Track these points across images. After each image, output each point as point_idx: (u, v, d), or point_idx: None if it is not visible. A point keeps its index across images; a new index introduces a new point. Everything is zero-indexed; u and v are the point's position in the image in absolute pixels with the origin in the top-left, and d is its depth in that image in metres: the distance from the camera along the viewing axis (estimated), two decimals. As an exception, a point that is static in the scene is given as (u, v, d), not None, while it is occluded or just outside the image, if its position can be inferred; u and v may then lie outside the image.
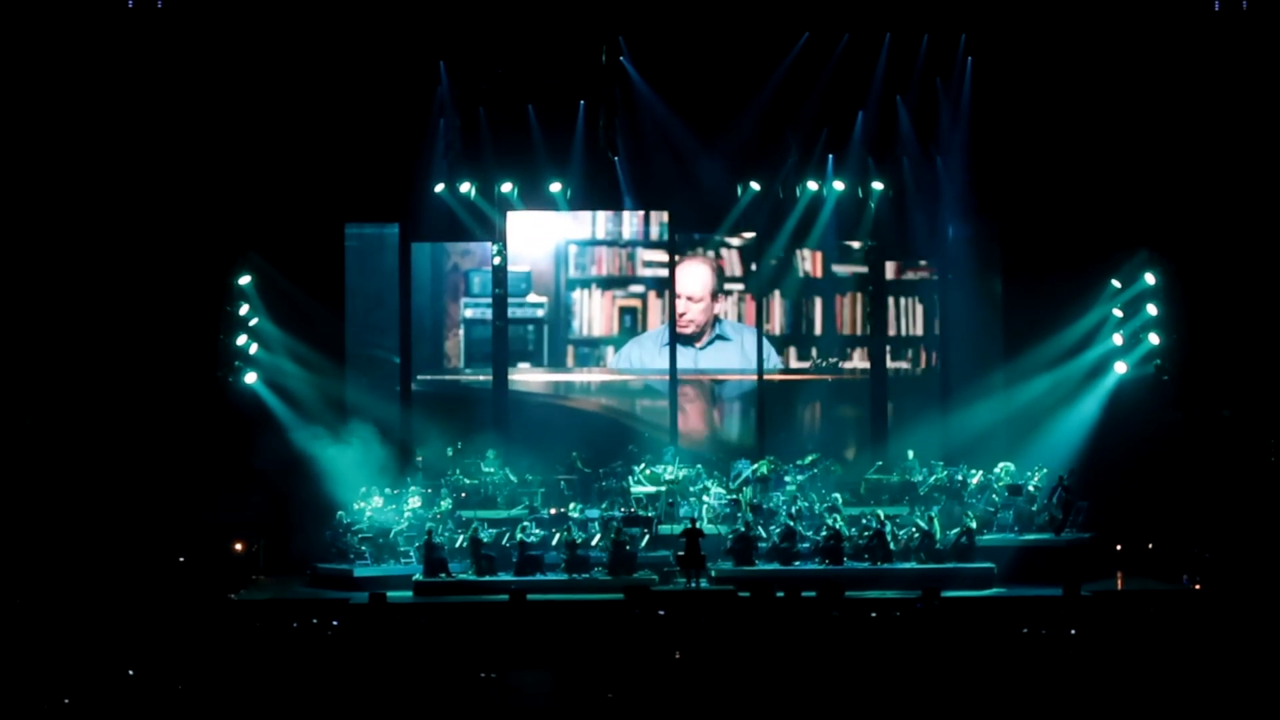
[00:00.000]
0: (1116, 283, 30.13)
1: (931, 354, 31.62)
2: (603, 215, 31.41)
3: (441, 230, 30.97)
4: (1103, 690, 18.46)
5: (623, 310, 31.52)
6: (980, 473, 28.66)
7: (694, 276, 31.62)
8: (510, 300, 31.29)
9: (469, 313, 31.38)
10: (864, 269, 31.62)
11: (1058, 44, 28.82)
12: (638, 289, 31.54)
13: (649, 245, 31.60)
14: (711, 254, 31.54)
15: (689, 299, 31.54)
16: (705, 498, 28.33)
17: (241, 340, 29.44)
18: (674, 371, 31.43)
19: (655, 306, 31.55)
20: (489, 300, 31.31)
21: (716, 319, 31.58)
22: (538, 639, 20.99)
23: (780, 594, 23.36)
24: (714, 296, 31.55)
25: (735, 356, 31.58)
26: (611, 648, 20.52)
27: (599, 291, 31.54)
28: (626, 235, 31.49)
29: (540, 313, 31.43)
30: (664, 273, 31.51)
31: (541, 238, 31.43)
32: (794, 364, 31.57)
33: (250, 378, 29.38)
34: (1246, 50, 28.44)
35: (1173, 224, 29.33)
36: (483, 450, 29.59)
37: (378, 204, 30.37)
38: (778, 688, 18.66)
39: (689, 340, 31.53)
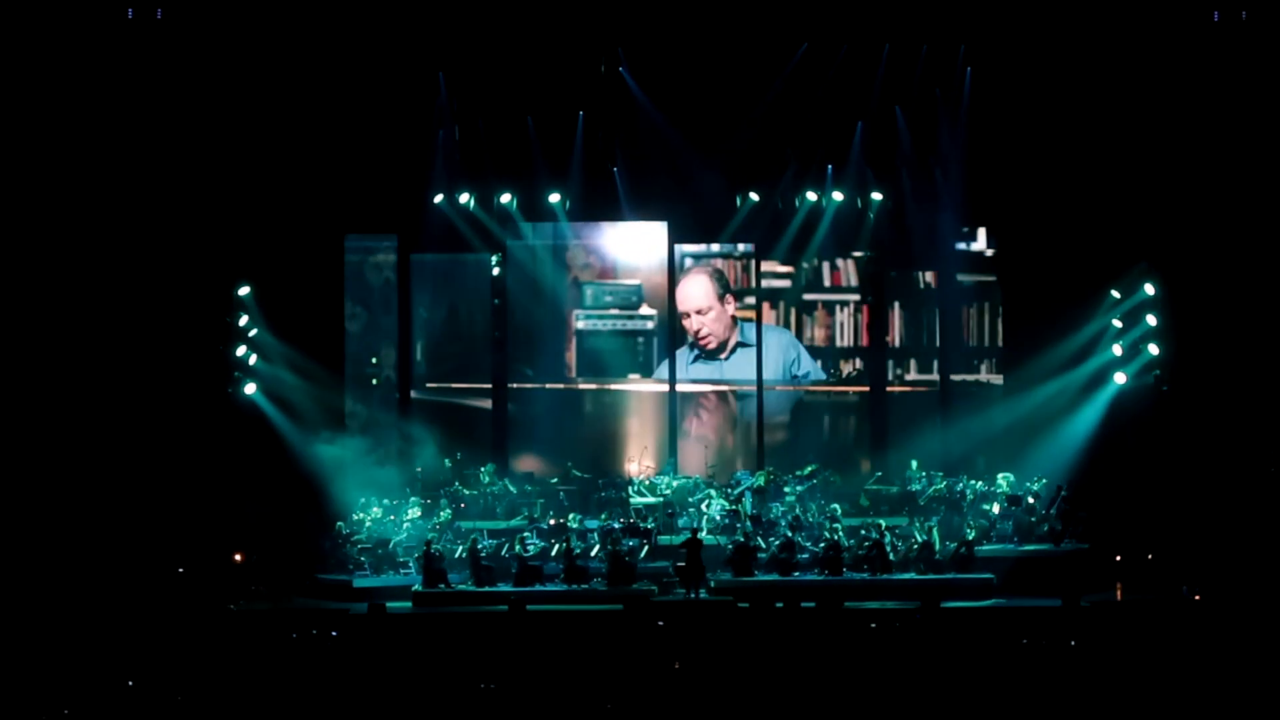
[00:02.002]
0: (1116, 293, 30.13)
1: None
2: (719, 226, 31.59)
3: (441, 242, 30.96)
4: (1102, 701, 18.43)
5: (736, 320, 31.51)
6: (980, 483, 28.67)
7: (694, 289, 31.56)
8: (620, 313, 31.41)
9: (581, 324, 31.48)
10: (992, 278, 31.33)
11: (1057, 54, 28.84)
12: (752, 300, 31.48)
13: (767, 256, 31.56)
14: (710, 264, 31.46)
15: (696, 313, 31.46)
16: (705, 507, 28.34)
17: (241, 351, 29.43)
18: (673, 382, 31.43)
19: (769, 318, 31.56)
20: (600, 311, 31.44)
21: (737, 321, 31.44)
22: (537, 650, 20.96)
23: (779, 605, 23.35)
24: (722, 300, 31.48)
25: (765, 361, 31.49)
26: (610, 658, 20.48)
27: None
28: (741, 247, 31.51)
29: (650, 324, 31.47)
30: (782, 284, 31.54)
31: (656, 250, 31.42)
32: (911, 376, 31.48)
33: (250, 388, 29.37)
34: (1245, 61, 28.46)
35: (1172, 234, 29.32)
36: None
37: (377, 215, 30.39)
38: (777, 698, 18.64)
39: (714, 355, 31.51)
